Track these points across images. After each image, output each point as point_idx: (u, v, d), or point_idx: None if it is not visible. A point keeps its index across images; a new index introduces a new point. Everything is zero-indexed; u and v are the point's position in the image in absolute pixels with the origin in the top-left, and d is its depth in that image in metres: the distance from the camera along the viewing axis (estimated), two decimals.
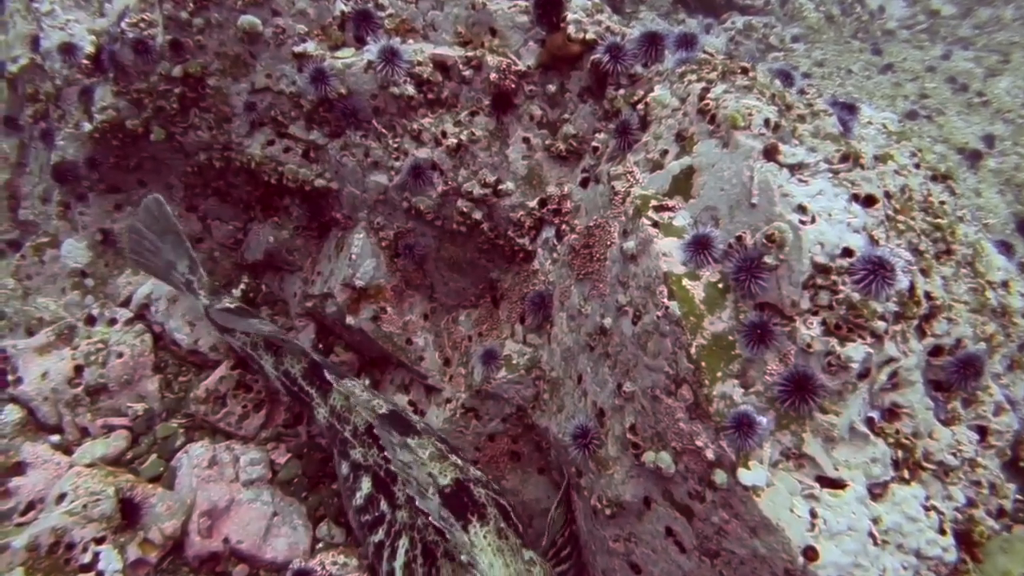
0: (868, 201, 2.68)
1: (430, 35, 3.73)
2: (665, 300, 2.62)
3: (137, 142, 4.36)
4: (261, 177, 4.18)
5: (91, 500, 3.14)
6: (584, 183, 3.41)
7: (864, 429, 2.46)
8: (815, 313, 2.47)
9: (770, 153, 2.64)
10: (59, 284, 4.79)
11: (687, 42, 3.28)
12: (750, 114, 2.71)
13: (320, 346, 4.50)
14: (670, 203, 2.88)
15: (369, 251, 4.02)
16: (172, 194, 4.71)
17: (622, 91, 3.30)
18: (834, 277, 2.45)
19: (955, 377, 2.67)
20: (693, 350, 2.52)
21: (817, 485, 2.40)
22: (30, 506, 3.75)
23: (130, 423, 4.16)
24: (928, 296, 2.68)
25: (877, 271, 2.41)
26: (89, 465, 3.88)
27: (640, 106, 3.13)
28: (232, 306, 4.19)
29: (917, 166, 3.26)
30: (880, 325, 2.42)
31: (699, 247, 2.66)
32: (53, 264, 4.80)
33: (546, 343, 3.58)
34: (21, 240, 5.47)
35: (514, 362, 3.70)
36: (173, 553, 3.60)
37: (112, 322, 4.48)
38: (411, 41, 3.72)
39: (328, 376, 3.66)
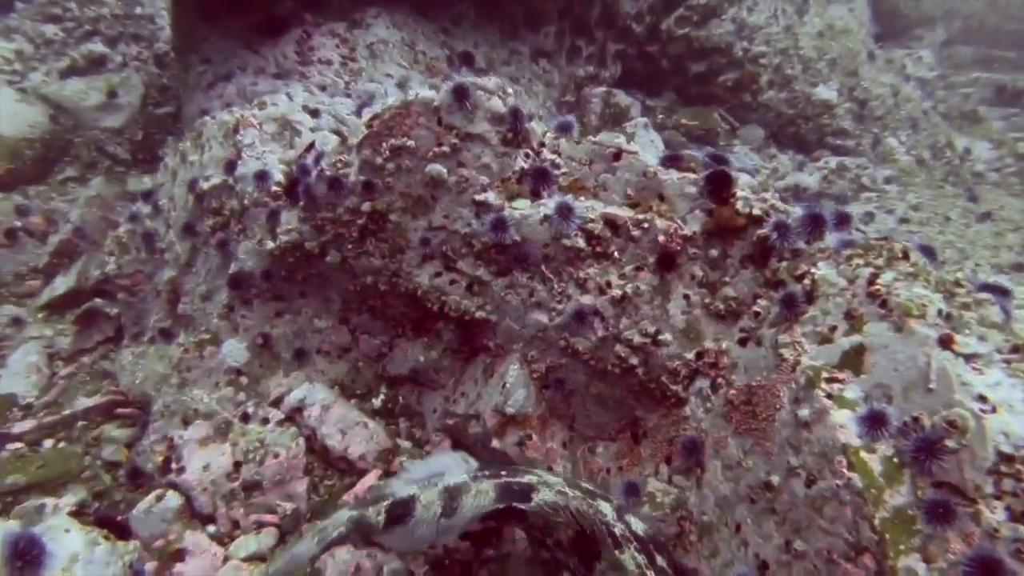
0: None
1: (600, 195, 4.19)
2: (844, 470, 2.86)
3: (311, 261, 4.85)
4: (423, 303, 4.60)
5: None
6: (743, 342, 3.72)
7: None
8: (999, 498, 2.68)
9: (946, 342, 2.93)
10: (213, 379, 5.19)
11: (843, 220, 3.68)
12: (924, 305, 3.03)
13: None
14: (840, 375, 3.16)
15: (522, 382, 4.34)
16: (329, 306, 5.16)
17: (784, 263, 3.66)
18: (1019, 466, 2.67)
19: None
20: (877, 521, 2.73)
21: None
22: None
23: (279, 521, 4.42)
24: None
25: None
26: (245, 559, 4.13)
27: (806, 281, 3.47)
28: None
29: None
30: None
31: (875, 422, 2.91)
32: (211, 360, 5.22)
33: (694, 486, 3.79)
34: (172, 330, 5.96)
35: (658, 500, 3.90)
36: None
37: (265, 421, 4.82)
38: (582, 198, 4.18)
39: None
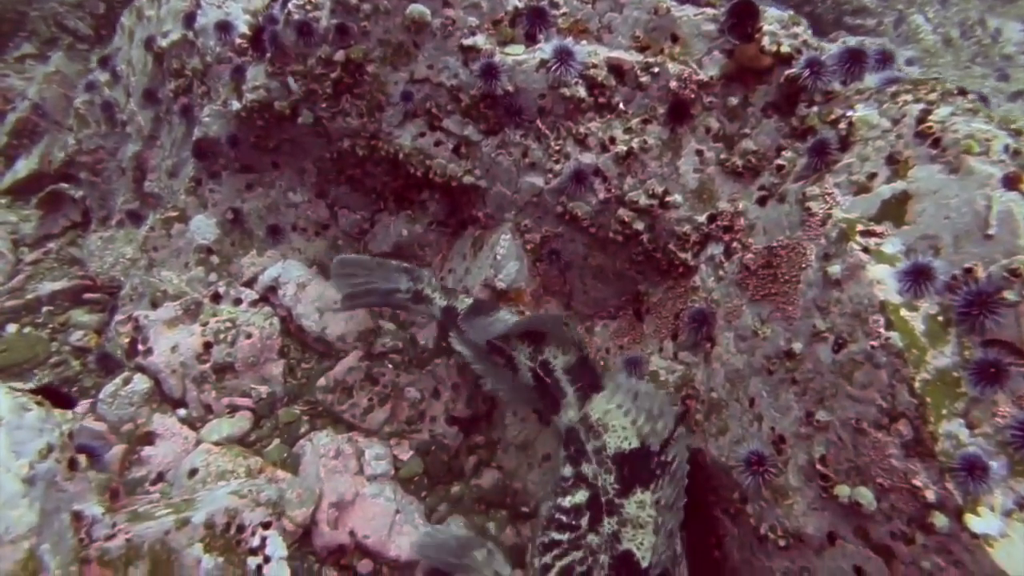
0: None
1: (604, 38, 3.66)
2: (882, 330, 2.49)
3: (281, 124, 4.35)
4: (406, 168, 4.14)
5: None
6: (762, 201, 3.29)
7: None
8: None
9: (1012, 181, 2.49)
10: (183, 259, 4.79)
11: (886, 59, 3.18)
12: (988, 140, 2.58)
13: (443, 343, 4.42)
14: (878, 228, 2.74)
15: (514, 253, 3.94)
16: (304, 178, 4.70)
17: (815, 108, 3.18)
18: None
19: None
20: (917, 384, 2.38)
21: None
22: (159, 477, 3.73)
23: (254, 405, 4.13)
24: None
25: None
26: (217, 443, 3.85)
27: (841, 125, 3.00)
28: (472, 301, 3.81)
29: None
30: None
31: (919, 277, 2.52)
32: (179, 238, 4.81)
33: (703, 363, 3.45)
34: (140, 211, 5.53)
35: (662, 378, 3.58)
36: (301, 541, 3.53)
37: (237, 301, 4.46)
38: (584, 42, 3.64)
39: (601, 381, 3.42)
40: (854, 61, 3.10)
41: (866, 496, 2.52)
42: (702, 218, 3.48)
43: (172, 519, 2.63)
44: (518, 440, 4.15)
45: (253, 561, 2.78)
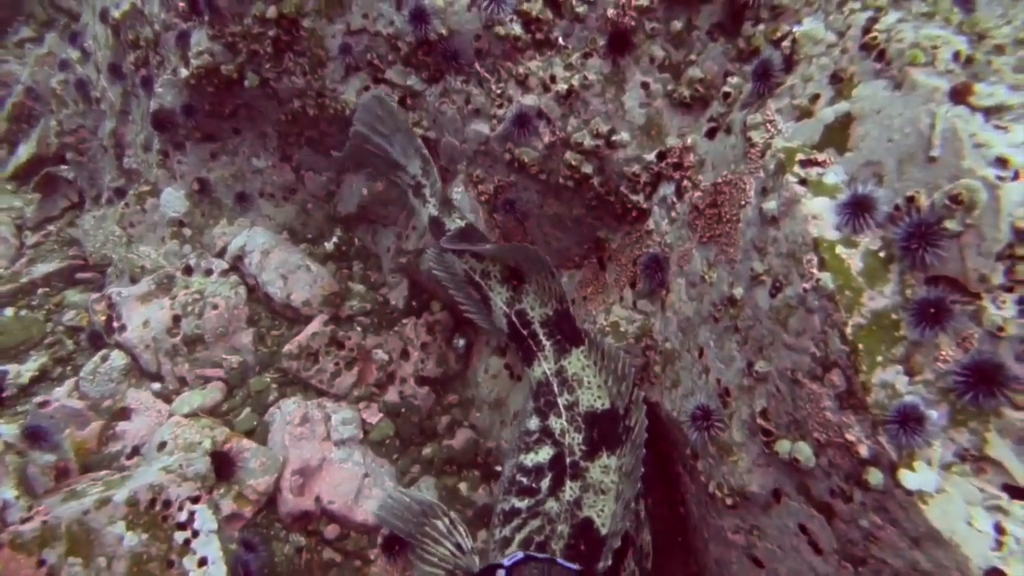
0: None
1: None
2: (815, 270, 2.25)
3: (232, 88, 4.24)
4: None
5: (186, 459, 3.09)
6: (711, 134, 3.02)
7: None
8: (1010, 290, 2.05)
9: (960, 94, 2.18)
10: (159, 233, 4.81)
11: None
12: (935, 47, 2.26)
13: (413, 303, 4.34)
14: (820, 157, 2.46)
15: (468, 206, 3.78)
16: (266, 143, 4.60)
17: (762, 26, 2.86)
18: None
19: None
20: (848, 330, 2.15)
21: (1005, 495, 2.00)
22: (135, 451, 3.80)
23: (225, 375, 4.15)
24: None
25: None
26: (187, 415, 3.89)
27: (785, 43, 2.69)
28: (464, 224, 3.65)
29: None
30: None
31: (858, 209, 2.25)
32: (154, 213, 4.81)
33: (659, 311, 3.25)
34: (126, 188, 5.55)
35: (622, 329, 3.40)
36: (267, 509, 3.56)
37: (208, 272, 4.45)
38: None
39: (580, 335, 3.30)
40: None
41: (804, 452, 2.33)
42: (651, 156, 3.23)
43: (93, 499, 2.66)
44: (491, 398, 4.06)
45: (181, 536, 2.81)
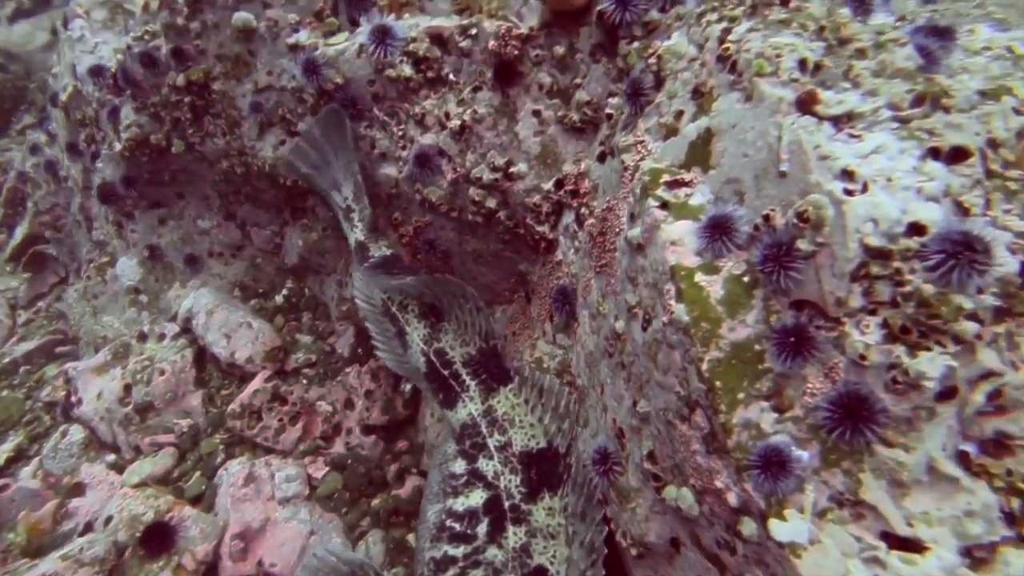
0: (955, 156, 1.98)
1: (427, 6, 3.31)
2: (672, 301, 2.09)
3: (164, 156, 4.30)
4: (278, 180, 3.97)
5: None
6: (602, 157, 2.88)
7: (953, 470, 1.81)
8: (873, 312, 1.85)
9: (805, 103, 2.01)
10: (120, 302, 4.88)
11: None
12: (778, 55, 2.09)
13: (359, 350, 4.28)
14: (686, 177, 2.31)
15: (389, 249, 3.71)
16: (210, 203, 4.64)
17: (636, 44, 2.73)
18: (897, 264, 1.81)
19: None
20: (705, 366, 1.98)
21: (883, 544, 1.79)
22: (87, 527, 3.81)
23: (176, 440, 4.15)
24: None
25: (961, 253, 1.75)
26: (136, 486, 3.90)
27: (652, 60, 2.55)
28: (388, 253, 3.59)
29: None
30: (969, 327, 1.76)
31: (715, 232, 2.09)
32: (114, 283, 4.90)
33: (574, 345, 3.11)
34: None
35: (545, 365, 3.27)
36: None
37: (161, 337, 4.49)
38: (407, 16, 3.31)
39: (509, 373, 3.19)
40: None
41: (687, 499, 2.15)
42: (549, 185, 3.10)
43: None
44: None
45: None
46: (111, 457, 4.15)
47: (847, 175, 1.88)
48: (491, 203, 3.24)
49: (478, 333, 3.28)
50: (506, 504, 2.96)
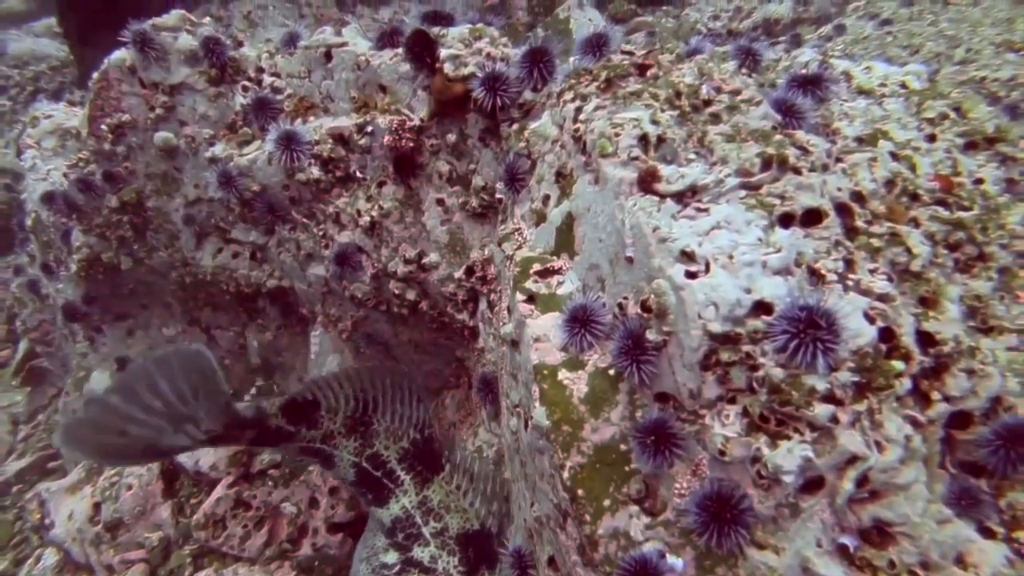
0: (809, 219, 1.87)
1: (330, 107, 3.35)
2: (536, 403, 1.99)
3: (118, 272, 4.38)
4: (221, 287, 4.01)
5: None
6: (499, 243, 2.82)
7: (829, 569, 1.64)
8: (732, 400, 1.72)
9: (645, 182, 1.93)
10: None
11: (594, 47, 2.58)
12: (617, 134, 2.02)
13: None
14: (556, 264, 2.23)
15: (329, 347, 3.69)
16: (172, 311, 4.70)
17: (515, 126, 2.69)
18: (747, 347, 1.69)
19: (996, 459, 1.75)
20: (566, 474, 1.86)
21: None
22: None
23: (147, 555, 4.12)
24: (929, 341, 1.80)
25: (804, 331, 1.62)
26: None
27: (522, 143, 2.50)
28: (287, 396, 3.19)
29: (932, 138, 2.33)
30: (823, 411, 1.62)
31: (577, 324, 2.00)
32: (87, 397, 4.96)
33: (503, 434, 3.00)
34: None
35: (485, 454, 3.18)
36: None
37: None
38: (312, 119, 3.35)
39: (440, 461, 3.17)
40: (535, 62, 2.57)
41: None
42: (460, 273, 3.04)
43: None
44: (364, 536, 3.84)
45: None
46: None
47: (687, 257, 1.78)
48: (411, 295, 3.20)
49: (413, 425, 3.21)
50: None
